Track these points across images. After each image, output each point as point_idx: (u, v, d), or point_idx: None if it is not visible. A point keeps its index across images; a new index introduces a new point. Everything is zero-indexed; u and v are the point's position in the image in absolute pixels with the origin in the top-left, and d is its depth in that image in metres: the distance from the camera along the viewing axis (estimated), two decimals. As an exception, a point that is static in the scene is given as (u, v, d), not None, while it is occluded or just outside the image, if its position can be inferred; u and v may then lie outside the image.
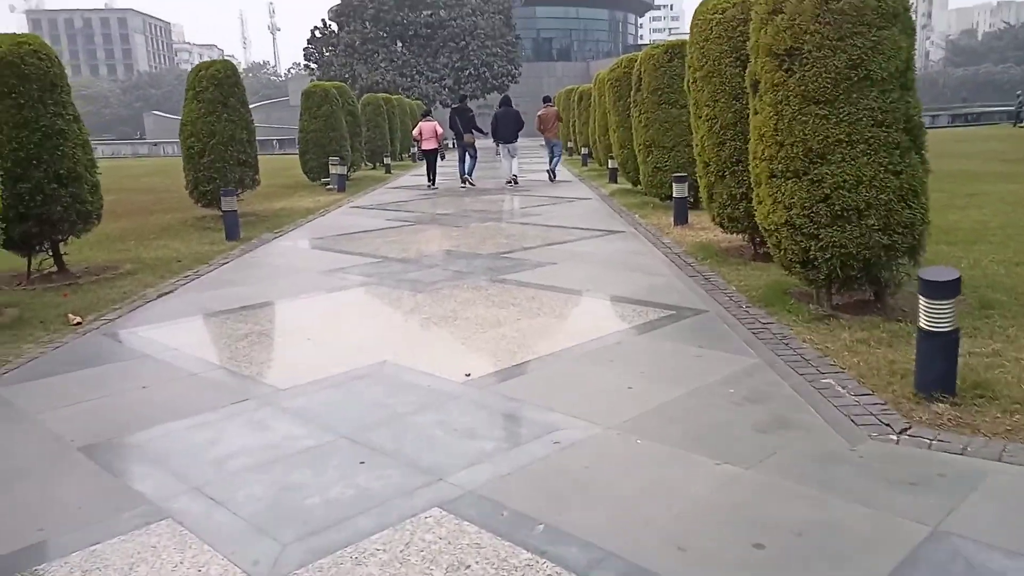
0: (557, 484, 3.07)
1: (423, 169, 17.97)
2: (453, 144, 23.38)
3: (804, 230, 5.27)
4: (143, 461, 3.47)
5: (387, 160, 23.65)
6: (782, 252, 5.52)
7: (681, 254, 8.06)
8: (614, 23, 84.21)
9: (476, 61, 46.75)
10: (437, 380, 4.36)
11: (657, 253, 8.24)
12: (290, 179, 19.74)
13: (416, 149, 18.59)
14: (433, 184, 17.38)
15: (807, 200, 5.21)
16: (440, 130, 17.90)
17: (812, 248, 5.26)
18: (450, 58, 46.40)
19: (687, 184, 9.76)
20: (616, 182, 16.35)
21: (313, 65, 47.09)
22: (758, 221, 5.79)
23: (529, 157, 25.22)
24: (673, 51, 11.16)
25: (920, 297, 3.79)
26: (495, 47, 47.27)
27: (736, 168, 7.14)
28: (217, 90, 11.50)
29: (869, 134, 5.02)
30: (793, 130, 5.21)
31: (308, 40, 46.87)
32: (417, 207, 13.86)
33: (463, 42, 46.31)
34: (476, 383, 4.29)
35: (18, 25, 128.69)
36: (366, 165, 25.08)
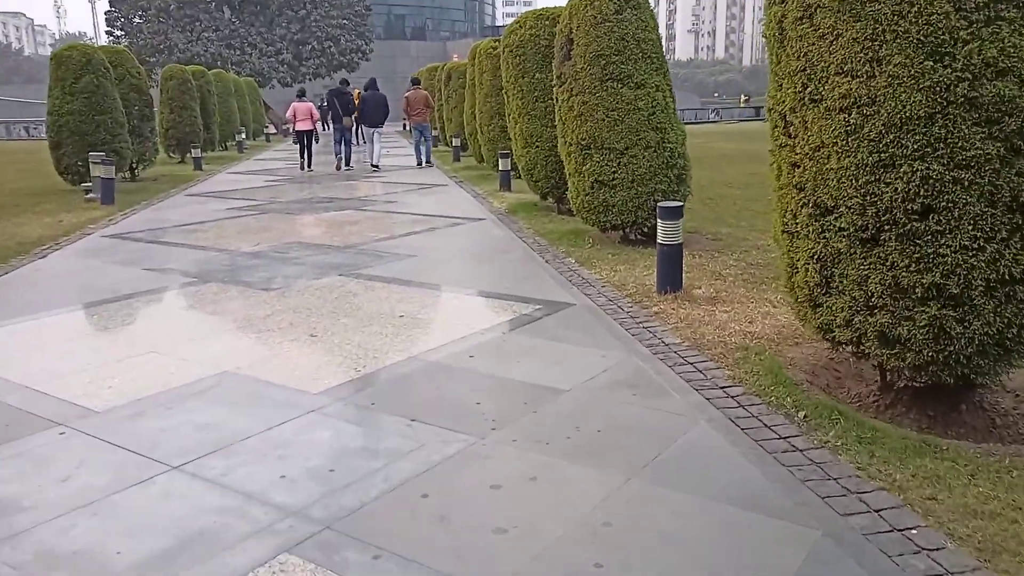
0: None
1: (243, 166, 15.68)
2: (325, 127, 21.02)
3: None
4: None
5: (195, 153, 17.95)
6: None
7: (740, 399, 3.79)
8: (470, 3, 79.92)
9: (320, 34, 40.73)
10: None
11: (682, 386, 3.91)
12: (45, 181, 13.88)
13: (291, 131, 18.82)
14: (310, 167, 16.59)
15: None
16: (316, 113, 17.32)
17: None
18: (288, 29, 40.13)
19: (681, 220, 5.53)
20: (510, 189, 11.98)
21: (119, 33, 39.27)
22: None
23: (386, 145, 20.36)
24: (625, -5, 6.93)
25: None
26: (342, 18, 41.45)
27: (917, 223, 2.97)
28: None
29: None
30: None
31: (111, 2, 38.91)
32: (216, 234, 8.84)
33: (303, 10, 40.17)
34: None
35: None
36: (172, 156, 19.32)
